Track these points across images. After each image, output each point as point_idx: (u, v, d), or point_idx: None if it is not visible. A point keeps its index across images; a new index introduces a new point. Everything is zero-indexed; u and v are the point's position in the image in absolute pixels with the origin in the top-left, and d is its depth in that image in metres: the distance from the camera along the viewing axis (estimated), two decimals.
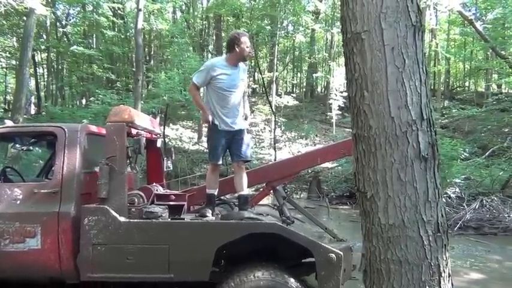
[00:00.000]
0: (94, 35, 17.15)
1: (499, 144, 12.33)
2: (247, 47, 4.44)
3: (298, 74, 27.72)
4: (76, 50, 13.99)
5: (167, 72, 11.22)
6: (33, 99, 22.96)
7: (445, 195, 9.95)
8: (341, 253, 4.02)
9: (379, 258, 1.85)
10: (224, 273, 4.07)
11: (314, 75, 21.75)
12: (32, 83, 22.77)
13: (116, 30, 16.85)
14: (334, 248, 3.99)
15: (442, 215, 1.85)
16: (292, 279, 3.88)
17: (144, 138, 5.19)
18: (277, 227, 4.08)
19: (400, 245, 1.79)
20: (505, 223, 8.83)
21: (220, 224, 4.15)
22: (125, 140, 4.59)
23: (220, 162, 4.49)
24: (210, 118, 4.33)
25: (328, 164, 14.13)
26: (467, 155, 12.17)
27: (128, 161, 4.84)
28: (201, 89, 4.66)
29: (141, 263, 4.03)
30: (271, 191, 4.96)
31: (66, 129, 4.35)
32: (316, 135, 19.73)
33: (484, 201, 9.35)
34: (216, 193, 4.59)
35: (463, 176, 10.31)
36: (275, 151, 13.47)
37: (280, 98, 19.12)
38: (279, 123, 17.51)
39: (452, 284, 1.92)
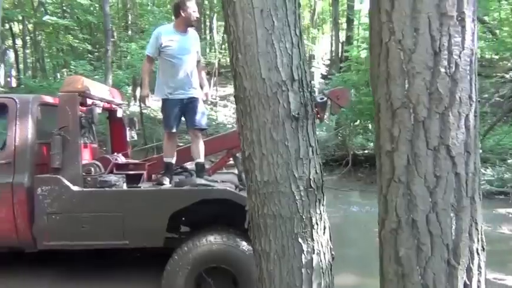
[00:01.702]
0: (70, 5, 16.81)
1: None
2: (193, 12, 4.45)
3: None
4: (49, 20, 13.73)
5: (138, 42, 11.13)
6: (13, 72, 22.72)
7: None
8: None
9: (258, 214, 1.95)
10: (183, 240, 4.21)
11: None
12: (12, 55, 22.47)
13: None
14: None
15: (316, 172, 1.94)
16: (244, 243, 4.03)
17: (100, 108, 5.22)
18: (228, 192, 4.20)
19: (274, 200, 1.89)
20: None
21: (171, 191, 4.26)
22: (77, 110, 4.63)
23: (175, 130, 4.56)
24: (147, 95, 4.46)
25: None
26: None
27: (82, 131, 4.90)
28: None
29: (96, 230, 4.16)
30: (231, 158, 5.06)
31: (17, 100, 4.39)
32: None
33: None
34: (173, 161, 4.68)
35: None
36: None
37: None
38: None
39: (330, 236, 2.04)
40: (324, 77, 19.50)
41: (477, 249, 1.48)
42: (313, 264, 1.91)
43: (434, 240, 1.44)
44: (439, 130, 1.41)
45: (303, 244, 1.89)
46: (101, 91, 5.08)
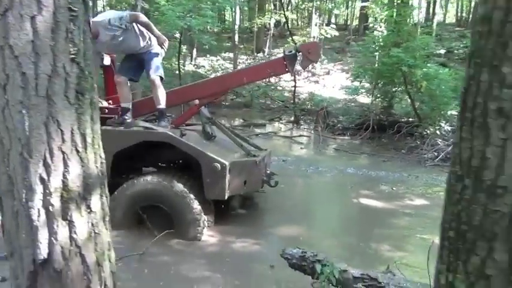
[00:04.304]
0: None
1: None
2: None
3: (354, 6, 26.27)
4: None
5: None
6: None
7: (438, 128, 9.46)
8: (226, 163, 4.36)
9: None
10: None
11: (363, 4, 20.50)
12: None
13: None
14: (221, 158, 4.32)
15: None
16: (179, 184, 4.32)
17: None
18: (166, 135, 4.46)
19: None
20: None
21: (113, 131, 4.58)
22: None
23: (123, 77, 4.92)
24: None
25: (342, 96, 13.88)
26: None
27: None
28: None
29: None
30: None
31: None
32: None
33: None
34: (130, 105, 5.02)
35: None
36: (295, 82, 13.41)
37: (320, 29, 18.44)
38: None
39: None
40: None
41: (61, 148, 1.58)
42: None
43: (10, 134, 1.57)
44: (4, 31, 1.51)
45: None
46: None
